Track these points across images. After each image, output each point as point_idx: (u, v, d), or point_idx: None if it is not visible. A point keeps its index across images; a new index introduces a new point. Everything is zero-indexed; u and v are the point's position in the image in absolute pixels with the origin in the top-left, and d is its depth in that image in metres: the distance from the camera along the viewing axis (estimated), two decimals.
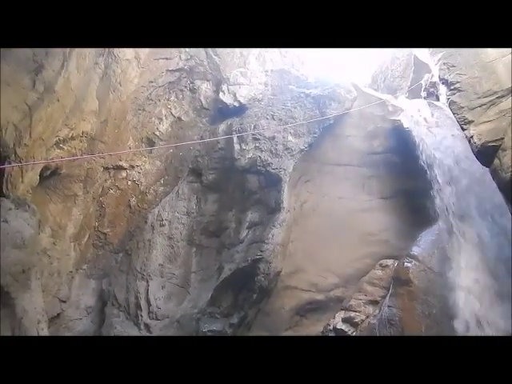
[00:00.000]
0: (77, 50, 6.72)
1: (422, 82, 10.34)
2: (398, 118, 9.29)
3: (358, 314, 7.82)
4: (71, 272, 8.74)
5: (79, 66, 7.03)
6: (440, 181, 7.93)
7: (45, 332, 6.97)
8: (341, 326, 7.83)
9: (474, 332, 6.42)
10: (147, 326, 8.70)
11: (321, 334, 8.07)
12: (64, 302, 8.43)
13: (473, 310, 6.59)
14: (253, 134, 9.55)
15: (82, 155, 8.05)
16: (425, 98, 10.13)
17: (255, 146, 9.49)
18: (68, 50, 6.43)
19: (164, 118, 10.25)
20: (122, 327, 8.63)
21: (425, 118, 8.93)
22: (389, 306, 7.19)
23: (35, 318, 6.87)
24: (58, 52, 6.28)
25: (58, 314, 8.28)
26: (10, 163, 6.17)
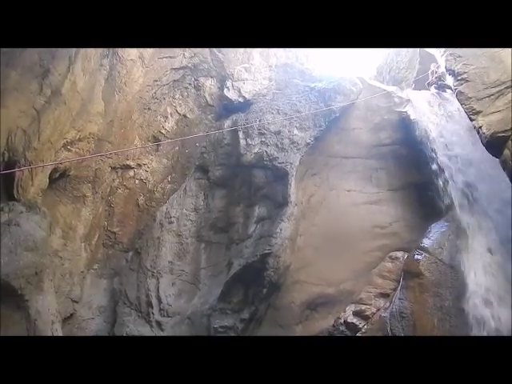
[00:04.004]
0: (82, 53, 6.72)
1: (428, 72, 10.22)
2: (404, 110, 9.22)
3: (368, 307, 7.75)
4: (82, 272, 8.81)
5: (85, 69, 7.05)
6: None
7: (58, 333, 7.07)
8: (352, 319, 7.73)
9: None
10: (159, 324, 8.73)
11: (327, 332, 7.94)
12: (76, 302, 8.50)
13: None
14: (258, 129, 9.51)
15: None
16: (431, 88, 10.03)
17: (261, 141, 9.46)
18: (73, 53, 6.44)
19: (169, 115, 10.26)
20: (134, 325, 8.67)
21: (432, 109, 8.85)
22: (400, 299, 7.13)
23: (49, 319, 6.97)
24: (64, 56, 6.29)
25: (71, 315, 8.35)
26: (19, 167, 6.22)
